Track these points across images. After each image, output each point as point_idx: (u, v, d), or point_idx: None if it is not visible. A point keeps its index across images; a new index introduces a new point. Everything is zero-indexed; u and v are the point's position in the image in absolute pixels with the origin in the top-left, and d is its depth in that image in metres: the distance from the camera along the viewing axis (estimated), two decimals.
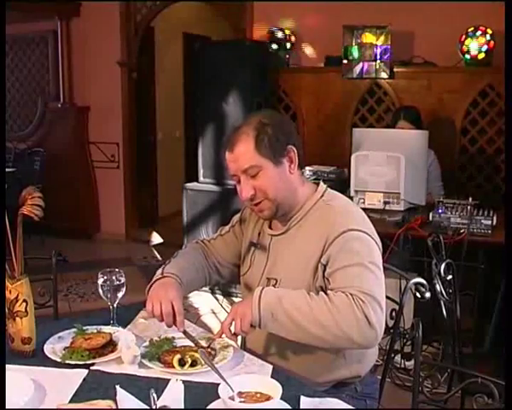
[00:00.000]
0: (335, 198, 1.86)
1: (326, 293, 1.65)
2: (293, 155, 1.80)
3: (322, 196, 1.84)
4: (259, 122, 1.78)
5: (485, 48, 4.48)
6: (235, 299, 4.75)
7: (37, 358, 1.68)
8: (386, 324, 2.20)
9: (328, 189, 1.90)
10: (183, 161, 8.04)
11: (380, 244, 1.78)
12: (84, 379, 1.57)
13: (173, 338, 1.78)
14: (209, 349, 1.71)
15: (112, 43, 6.40)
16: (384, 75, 4.89)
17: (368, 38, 4.86)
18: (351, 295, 1.58)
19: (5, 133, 6.31)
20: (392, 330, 2.14)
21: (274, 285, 1.81)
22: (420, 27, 4.85)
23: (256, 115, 1.84)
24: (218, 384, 1.43)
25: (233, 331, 1.65)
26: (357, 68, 4.96)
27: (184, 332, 1.77)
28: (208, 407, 1.43)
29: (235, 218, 2.10)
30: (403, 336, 3.17)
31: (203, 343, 1.75)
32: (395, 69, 4.90)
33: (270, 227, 1.92)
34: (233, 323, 1.66)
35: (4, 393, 1.42)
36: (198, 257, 2.03)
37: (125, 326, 1.90)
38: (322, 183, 1.91)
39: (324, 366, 1.79)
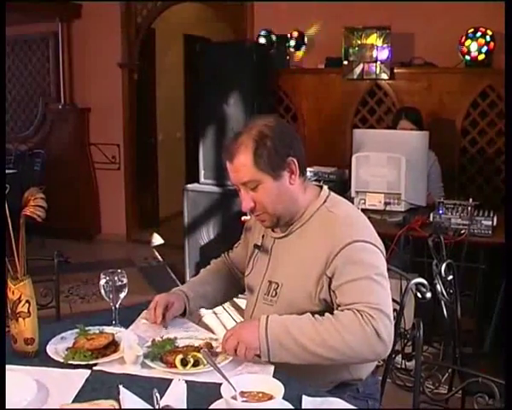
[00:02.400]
0: (338, 205, 1.84)
1: (332, 308, 1.67)
2: (294, 167, 1.78)
3: (325, 201, 1.83)
4: (259, 133, 1.75)
5: (485, 49, 4.49)
6: (236, 300, 4.74)
7: (39, 358, 1.69)
8: None
9: (332, 193, 1.88)
10: (183, 162, 8.04)
11: (383, 250, 1.78)
12: (87, 380, 1.58)
13: (175, 338, 1.79)
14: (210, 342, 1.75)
15: (112, 45, 6.41)
16: (384, 76, 4.90)
17: (368, 39, 4.87)
18: (358, 311, 1.59)
19: (6, 135, 6.32)
20: None
21: (276, 289, 1.82)
22: (420, 28, 4.86)
23: (257, 123, 1.79)
24: (221, 384, 1.43)
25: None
26: (358, 69, 4.96)
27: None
28: (211, 407, 1.43)
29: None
30: (403, 336, 3.17)
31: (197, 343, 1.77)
32: (395, 70, 4.90)
33: (272, 230, 1.92)
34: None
35: (4, 393, 1.43)
36: (219, 269, 2.16)
37: (127, 327, 1.90)
38: (325, 187, 1.90)
39: (325, 368, 1.78)
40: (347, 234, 1.71)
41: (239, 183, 1.80)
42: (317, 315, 1.64)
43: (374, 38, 4.85)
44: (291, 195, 1.80)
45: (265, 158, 1.73)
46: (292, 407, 1.43)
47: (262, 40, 5.32)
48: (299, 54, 5.41)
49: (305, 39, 5.32)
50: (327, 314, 1.64)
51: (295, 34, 5.29)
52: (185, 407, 1.43)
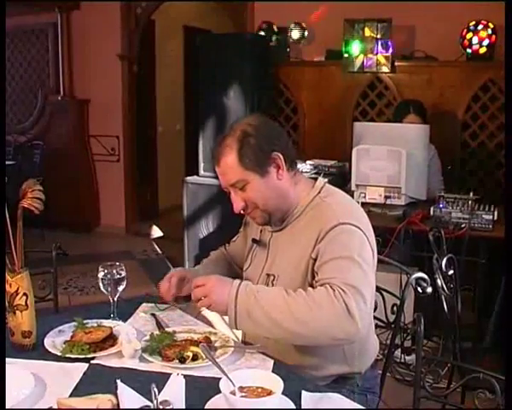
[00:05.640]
0: (333, 194, 1.84)
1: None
2: (280, 162, 1.78)
3: (320, 192, 1.83)
4: (243, 132, 1.76)
5: (486, 42, 4.47)
6: None
7: (37, 352, 1.68)
8: (387, 318, 2.21)
9: (327, 184, 1.87)
10: (183, 154, 8.03)
11: (373, 242, 1.76)
12: (85, 373, 1.57)
13: (174, 332, 1.78)
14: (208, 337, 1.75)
15: (112, 37, 6.38)
16: (385, 69, 4.88)
17: (369, 31, 4.85)
18: (331, 286, 1.56)
19: (5, 126, 6.30)
20: (393, 325, 2.14)
21: (272, 281, 1.82)
22: (421, 21, 4.84)
23: (240, 124, 1.81)
24: (220, 379, 1.42)
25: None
26: (358, 62, 4.94)
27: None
28: (209, 402, 1.42)
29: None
30: (403, 330, 3.17)
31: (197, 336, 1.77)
32: (396, 63, 4.88)
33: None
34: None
35: (4, 387, 1.42)
36: (221, 258, 2.17)
37: (125, 320, 1.90)
38: (320, 178, 1.89)
39: (323, 359, 1.78)
40: (335, 217, 1.70)
41: (228, 185, 1.82)
42: (289, 290, 1.61)
43: (375, 31, 4.83)
44: (280, 190, 1.80)
45: (250, 156, 1.74)
46: (291, 403, 1.42)
47: (262, 33, 5.30)
48: (300, 46, 5.37)
49: (306, 32, 5.29)
50: (299, 289, 1.61)
51: (296, 26, 5.26)
52: (184, 402, 1.42)
